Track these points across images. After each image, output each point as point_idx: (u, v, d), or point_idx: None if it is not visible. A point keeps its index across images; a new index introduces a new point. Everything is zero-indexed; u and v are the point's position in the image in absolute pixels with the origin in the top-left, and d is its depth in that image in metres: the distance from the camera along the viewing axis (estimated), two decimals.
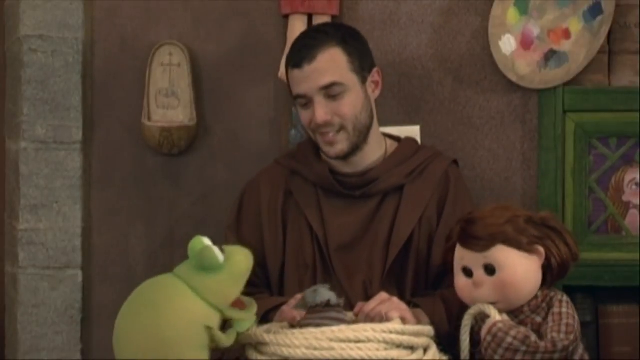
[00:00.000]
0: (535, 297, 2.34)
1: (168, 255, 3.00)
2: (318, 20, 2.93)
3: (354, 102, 2.55)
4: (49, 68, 2.99)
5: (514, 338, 2.24)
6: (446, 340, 2.44)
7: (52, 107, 2.99)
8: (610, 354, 2.83)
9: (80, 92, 3.01)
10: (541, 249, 2.32)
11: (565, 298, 2.33)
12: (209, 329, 2.17)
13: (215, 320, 2.19)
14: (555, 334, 2.25)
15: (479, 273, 2.32)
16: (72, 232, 3.01)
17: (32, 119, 2.99)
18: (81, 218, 3.02)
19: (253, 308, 2.25)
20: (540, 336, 2.28)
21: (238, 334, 2.21)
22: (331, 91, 2.52)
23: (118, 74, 3.04)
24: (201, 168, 3.03)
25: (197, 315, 2.16)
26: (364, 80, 2.58)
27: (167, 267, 2.91)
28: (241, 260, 2.22)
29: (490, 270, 2.31)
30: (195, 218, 3.03)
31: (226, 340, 2.19)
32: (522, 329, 2.26)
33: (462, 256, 2.34)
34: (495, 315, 2.28)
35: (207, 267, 2.18)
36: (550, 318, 2.29)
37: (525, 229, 2.33)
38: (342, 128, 2.55)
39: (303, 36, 2.62)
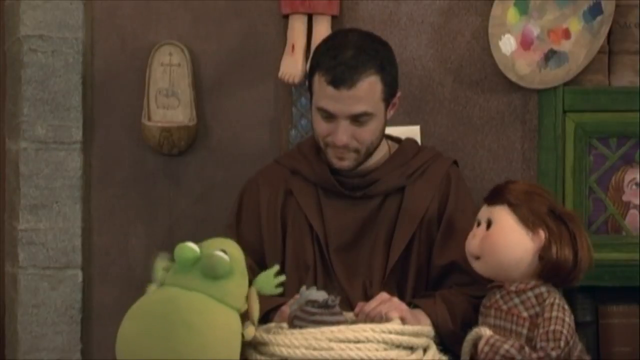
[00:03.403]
0: (525, 283, 2.36)
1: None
2: (318, 20, 2.93)
3: (375, 128, 2.54)
4: (49, 68, 2.99)
5: (511, 346, 2.28)
6: (450, 340, 2.45)
7: (52, 107, 2.99)
8: (610, 354, 2.83)
9: (80, 92, 3.01)
10: (542, 234, 2.34)
11: (557, 301, 2.34)
12: (242, 335, 2.15)
13: (241, 323, 2.16)
14: (544, 343, 2.28)
15: (483, 226, 2.41)
16: (72, 232, 3.01)
17: (32, 119, 2.99)
18: (81, 218, 3.02)
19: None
20: (527, 338, 2.32)
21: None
22: (359, 118, 2.51)
23: (118, 74, 3.04)
24: (201, 168, 3.03)
25: (235, 326, 2.12)
26: (388, 106, 2.57)
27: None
28: (238, 253, 2.20)
29: (489, 225, 2.40)
30: (195, 218, 3.03)
31: (248, 335, 2.18)
32: (517, 342, 2.30)
33: (481, 208, 2.45)
34: (491, 333, 2.33)
35: (221, 274, 2.13)
36: (541, 324, 2.31)
37: (539, 211, 2.37)
38: (356, 150, 2.55)
39: (341, 49, 2.51)
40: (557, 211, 2.39)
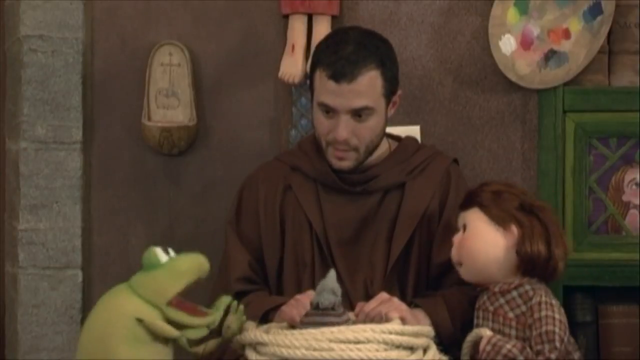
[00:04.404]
0: (508, 283, 2.36)
1: None
2: (318, 20, 2.93)
3: (375, 125, 2.55)
4: (49, 68, 2.99)
5: (513, 346, 2.27)
6: (450, 341, 2.45)
7: (52, 107, 2.99)
8: (610, 354, 2.83)
9: (80, 92, 3.01)
10: (514, 230, 2.35)
11: (544, 298, 2.33)
12: (140, 321, 2.17)
13: (150, 315, 2.18)
14: (540, 347, 2.27)
15: (461, 232, 2.43)
16: (72, 232, 3.01)
17: (32, 119, 2.99)
18: (81, 218, 3.02)
19: (210, 320, 2.23)
20: (516, 339, 2.32)
21: (189, 340, 2.20)
22: (360, 112, 2.51)
23: (118, 74, 3.04)
24: (201, 168, 3.03)
25: (126, 308, 2.18)
26: (388, 103, 2.58)
27: None
28: (184, 260, 2.24)
29: (465, 230, 2.41)
30: (195, 218, 3.03)
31: (170, 331, 2.18)
32: (520, 342, 2.29)
33: (459, 214, 2.47)
34: (492, 333, 2.32)
35: (147, 265, 2.22)
36: (532, 326, 2.30)
37: (509, 207, 2.37)
38: (355, 149, 2.55)
39: (342, 44, 2.52)
40: (528, 205, 2.39)
